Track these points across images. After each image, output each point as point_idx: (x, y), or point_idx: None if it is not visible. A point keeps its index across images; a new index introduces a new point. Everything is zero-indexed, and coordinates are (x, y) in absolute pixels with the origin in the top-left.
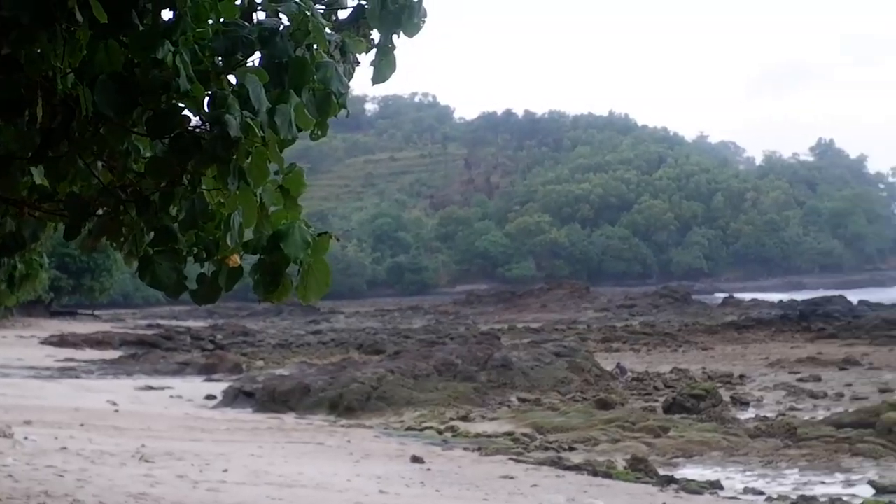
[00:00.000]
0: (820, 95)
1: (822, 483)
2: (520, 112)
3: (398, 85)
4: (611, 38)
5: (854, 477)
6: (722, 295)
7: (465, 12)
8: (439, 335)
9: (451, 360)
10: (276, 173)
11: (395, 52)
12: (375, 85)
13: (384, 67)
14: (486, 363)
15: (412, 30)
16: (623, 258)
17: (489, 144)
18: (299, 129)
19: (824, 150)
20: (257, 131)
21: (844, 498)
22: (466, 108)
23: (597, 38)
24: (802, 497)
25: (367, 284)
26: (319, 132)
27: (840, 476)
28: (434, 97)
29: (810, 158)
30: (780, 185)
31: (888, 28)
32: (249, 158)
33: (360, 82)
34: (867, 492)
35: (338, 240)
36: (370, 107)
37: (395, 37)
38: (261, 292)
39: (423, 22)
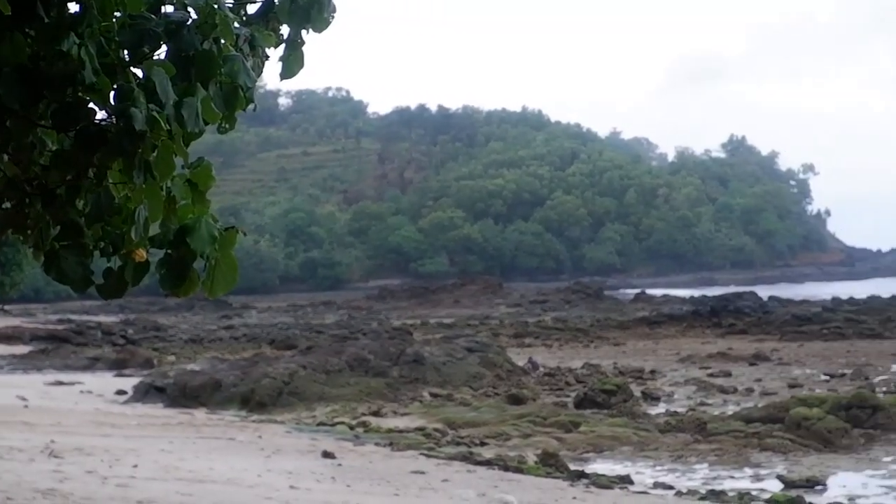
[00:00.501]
0: (733, 92)
1: (732, 477)
2: (433, 107)
3: (312, 79)
4: (524, 34)
5: (763, 471)
6: (634, 291)
7: (379, 7)
8: (352, 330)
9: (364, 356)
10: (185, 167)
11: (306, 48)
12: (284, 80)
13: (293, 63)
14: (398, 358)
15: (321, 25)
16: (536, 254)
17: (403, 139)
18: (206, 123)
19: (736, 146)
20: (163, 125)
21: (753, 492)
22: (380, 103)
23: (510, 34)
24: (711, 491)
25: (279, 279)
26: (227, 126)
27: (749, 471)
28: (348, 92)
29: (722, 155)
30: (692, 182)
31: (802, 23)
32: (155, 152)
33: (274, 77)
34: (776, 486)
35: (244, 234)
36: (283, 101)
37: (304, 32)
38: (167, 287)
39: (332, 17)
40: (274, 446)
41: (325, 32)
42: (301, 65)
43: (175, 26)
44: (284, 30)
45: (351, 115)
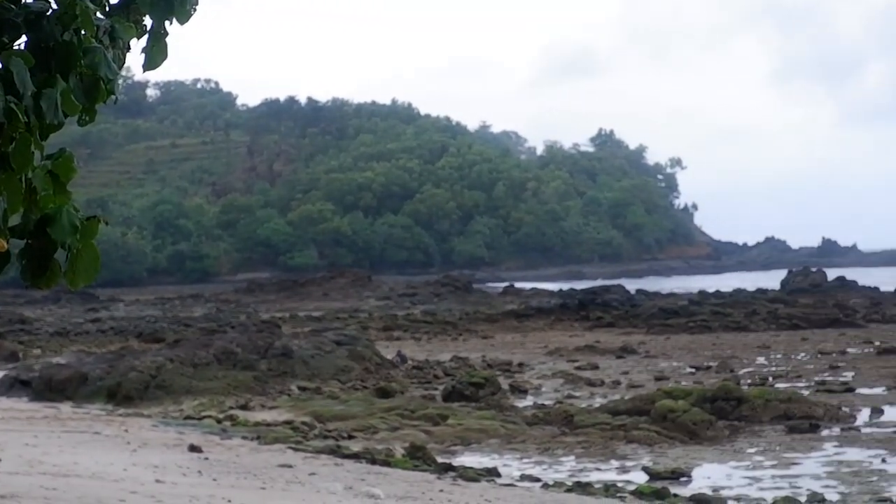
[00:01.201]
0: (604, 85)
1: (598, 469)
2: (303, 99)
3: (180, 71)
4: (394, 26)
5: (629, 463)
6: (503, 284)
7: None
8: (220, 323)
9: (232, 349)
10: (47, 158)
11: (171, 39)
12: (147, 71)
13: (156, 54)
14: (266, 352)
15: (183, 16)
16: (405, 247)
17: (272, 132)
18: (66, 115)
19: (604, 140)
20: (21, 116)
21: (619, 484)
22: (249, 95)
23: (380, 26)
24: (578, 483)
25: (147, 272)
26: (87, 118)
27: (615, 462)
28: (216, 83)
29: (591, 149)
30: (560, 175)
31: (673, 18)
32: (13, 144)
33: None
34: (641, 478)
35: (107, 223)
36: (152, 92)
37: (167, 23)
38: (28, 278)
39: (195, 9)
40: (140, 440)
41: (192, 23)
42: (164, 56)
43: (35, 16)
44: (147, 21)
45: (220, 107)
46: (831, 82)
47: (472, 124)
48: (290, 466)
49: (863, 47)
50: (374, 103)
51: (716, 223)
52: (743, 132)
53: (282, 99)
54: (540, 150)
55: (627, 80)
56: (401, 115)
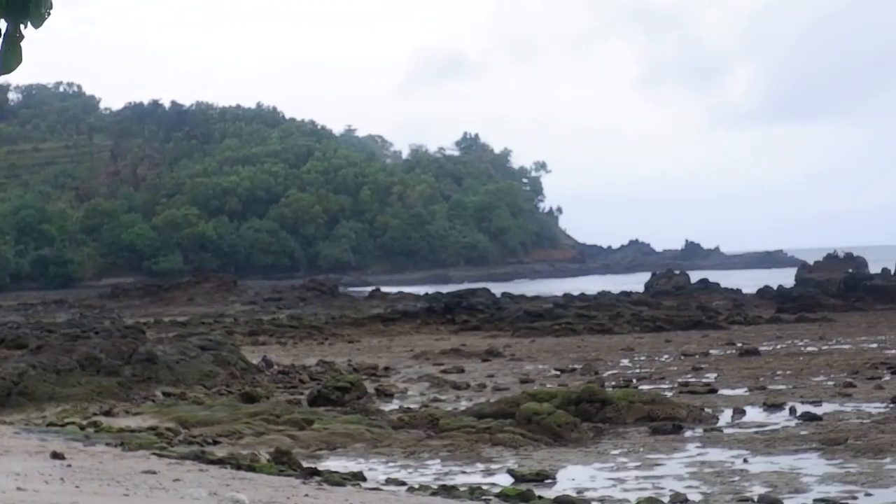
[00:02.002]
0: (473, 90)
1: (463, 472)
2: (167, 103)
3: (41, 74)
4: (260, 28)
5: (494, 466)
6: (369, 288)
7: (110, 1)
8: (84, 329)
9: (95, 355)
10: None
11: (33, 42)
12: (2, 76)
13: (10, 58)
14: (130, 357)
15: (38, 20)
16: (271, 251)
17: (136, 136)
18: None
19: (469, 144)
20: None
21: (484, 486)
22: (113, 99)
23: (245, 28)
24: (443, 486)
25: (10, 277)
26: None
27: (480, 465)
28: (79, 87)
29: (456, 153)
30: (426, 179)
31: (542, 23)
32: None
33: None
34: (506, 480)
35: None
36: (13, 96)
37: (22, 27)
38: None
39: (49, 13)
40: (1, 448)
41: (52, 26)
42: (19, 60)
43: None
44: (2, 24)
45: (83, 111)
46: (698, 86)
47: (338, 128)
48: (154, 473)
49: (730, 51)
50: (238, 107)
51: (581, 226)
52: (609, 136)
53: (146, 103)
54: (405, 154)
55: (496, 85)
56: (266, 119)
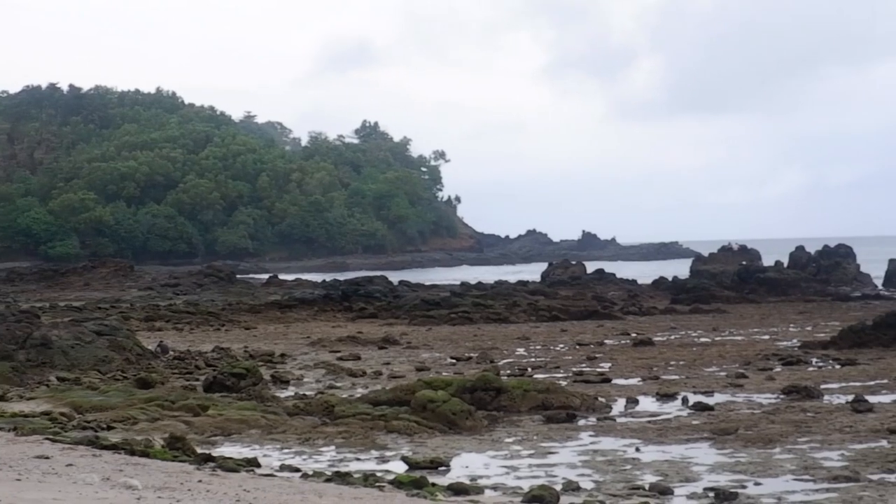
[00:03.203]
0: (379, 78)
1: (358, 459)
2: (65, 87)
3: None
4: (160, 12)
5: (388, 453)
6: (266, 275)
7: None
8: None
9: None
10: None
11: None
12: None
13: None
14: (24, 342)
15: None
16: (169, 237)
17: (33, 119)
18: None
19: (369, 132)
20: None
21: (378, 473)
22: (9, 82)
23: (145, 11)
24: (337, 473)
25: None
26: None
27: (375, 452)
28: None
29: (355, 140)
30: (325, 167)
31: (449, 13)
32: None
33: None
34: (400, 467)
35: None
36: None
37: None
38: None
39: None
40: None
41: None
42: None
43: None
44: None
45: None
46: (603, 79)
47: (237, 114)
48: (47, 458)
49: (635, 45)
50: (138, 92)
51: (480, 216)
52: (513, 126)
53: (43, 86)
54: (305, 142)
55: (403, 74)
56: (165, 104)
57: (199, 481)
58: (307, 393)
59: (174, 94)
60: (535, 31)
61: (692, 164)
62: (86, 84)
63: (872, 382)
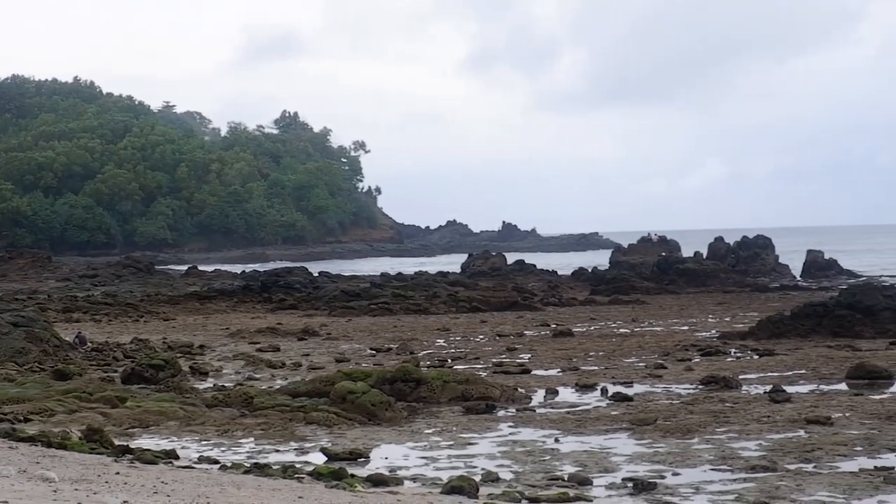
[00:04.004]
0: (304, 68)
1: (277, 451)
2: None
3: None
4: (81, 1)
5: (307, 445)
6: (185, 266)
7: None
8: None
9: None
10: None
11: None
12: None
13: None
14: None
15: None
16: (87, 228)
17: None
18: None
19: (289, 123)
20: None
21: (298, 465)
22: None
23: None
24: (256, 465)
25: None
26: None
27: (294, 444)
28: None
29: (275, 131)
30: (244, 157)
31: (374, 4)
32: None
33: None
34: (320, 459)
35: None
36: None
37: None
38: None
39: None
40: None
41: None
42: None
43: None
44: None
45: None
46: (527, 70)
47: (156, 104)
48: None
49: (560, 37)
50: (55, 81)
51: (402, 207)
52: (436, 117)
53: None
54: (224, 132)
55: (326, 64)
56: (83, 94)
57: (117, 473)
58: (226, 384)
59: (92, 83)
60: (460, 22)
61: (613, 155)
62: (2, 73)
63: (790, 373)
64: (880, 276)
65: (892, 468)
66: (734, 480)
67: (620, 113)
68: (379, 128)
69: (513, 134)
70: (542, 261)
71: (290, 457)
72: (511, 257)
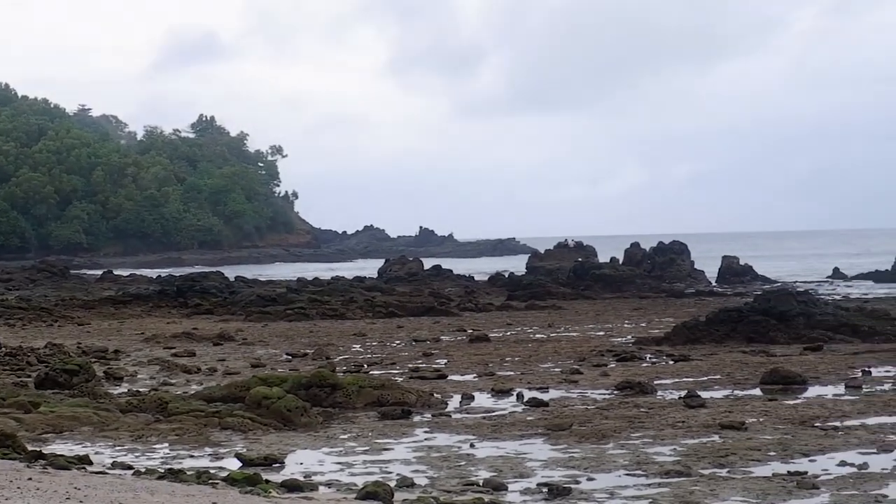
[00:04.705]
0: (223, 72)
1: (191, 456)
2: None
3: None
4: None
5: (222, 450)
6: (101, 270)
7: None
8: None
9: None
10: None
11: None
12: None
13: None
14: None
15: None
16: (0, 231)
17: None
18: None
19: (205, 127)
20: None
21: (212, 470)
22: None
23: None
24: (170, 470)
25: None
26: None
27: (209, 449)
28: None
29: (192, 135)
30: (160, 161)
31: (294, 7)
32: None
33: None
34: (234, 464)
35: None
36: None
37: None
38: None
39: None
40: None
41: None
42: None
43: None
44: None
45: None
46: (448, 76)
47: (72, 107)
48: None
49: (481, 43)
50: None
51: (319, 212)
52: (355, 122)
53: None
54: (141, 136)
55: (246, 68)
56: None
57: (30, 479)
58: (141, 390)
59: (7, 85)
60: (381, 27)
61: (531, 161)
62: None
63: (705, 378)
64: (794, 282)
65: (805, 473)
66: (649, 485)
67: (540, 119)
68: (297, 132)
69: (432, 139)
70: (459, 266)
71: (204, 462)
72: (428, 262)
